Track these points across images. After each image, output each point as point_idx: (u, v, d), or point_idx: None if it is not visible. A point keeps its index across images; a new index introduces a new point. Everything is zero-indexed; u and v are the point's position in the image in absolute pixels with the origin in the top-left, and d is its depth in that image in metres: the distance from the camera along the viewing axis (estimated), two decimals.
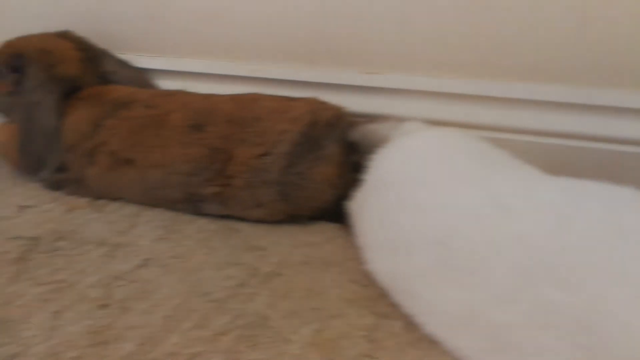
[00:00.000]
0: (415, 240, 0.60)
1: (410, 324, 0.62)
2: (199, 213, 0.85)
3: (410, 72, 0.95)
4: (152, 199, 0.87)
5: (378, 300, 0.66)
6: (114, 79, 1.00)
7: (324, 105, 0.88)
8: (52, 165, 0.92)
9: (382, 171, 0.71)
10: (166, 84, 1.03)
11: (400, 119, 0.85)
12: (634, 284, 0.45)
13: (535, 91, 0.88)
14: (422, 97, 0.95)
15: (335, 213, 0.82)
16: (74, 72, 0.93)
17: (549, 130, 0.89)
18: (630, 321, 0.44)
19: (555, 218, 0.52)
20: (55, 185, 0.93)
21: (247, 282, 0.69)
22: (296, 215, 0.83)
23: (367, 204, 0.71)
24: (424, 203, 0.61)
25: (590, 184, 0.56)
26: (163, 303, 0.66)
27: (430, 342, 0.59)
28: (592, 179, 0.57)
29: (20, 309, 0.66)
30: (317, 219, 0.84)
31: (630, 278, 0.45)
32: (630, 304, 0.45)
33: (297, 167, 0.81)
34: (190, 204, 0.85)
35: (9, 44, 0.95)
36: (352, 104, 0.92)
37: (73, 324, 0.63)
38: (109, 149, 0.87)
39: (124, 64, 1.02)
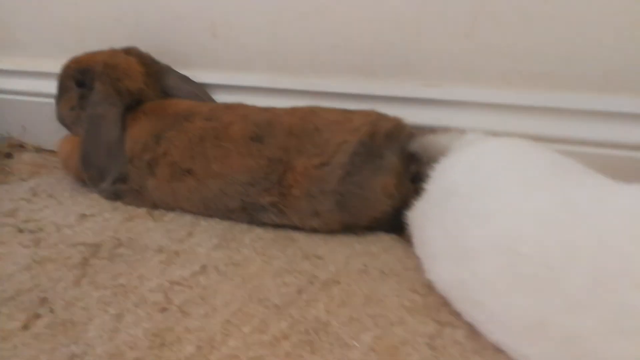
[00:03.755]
0: (481, 248, 0.58)
1: (473, 332, 0.59)
2: (255, 222, 0.85)
3: (472, 84, 0.93)
4: (209, 209, 0.88)
5: (439, 308, 0.64)
6: (175, 93, 1.02)
7: (383, 116, 0.87)
8: (113, 176, 0.94)
9: (446, 180, 0.69)
10: (226, 98, 1.05)
11: (461, 131, 0.84)
12: None
13: (601, 102, 0.85)
14: (481, 109, 0.93)
15: (392, 223, 0.80)
16: (138, 86, 0.96)
17: (617, 142, 0.86)
18: None
19: (634, 222, 0.49)
20: (115, 196, 0.96)
21: (305, 289, 0.69)
22: (352, 225, 0.82)
23: (428, 214, 0.70)
24: (492, 210, 0.59)
25: None
26: (221, 308, 0.66)
27: (495, 350, 0.56)
28: None
29: (83, 311, 0.67)
30: (373, 229, 0.83)
31: None
32: None
33: (355, 177, 0.80)
34: (247, 213, 0.86)
35: (76, 60, 0.99)
36: (411, 116, 0.91)
37: (134, 326, 0.64)
38: (170, 160, 0.89)
39: (185, 79, 1.05)
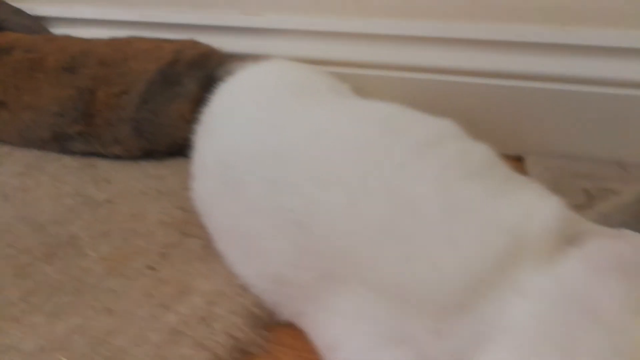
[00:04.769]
0: (208, 163, 0.62)
1: (210, 243, 0.63)
2: (66, 152, 0.88)
3: (290, 13, 0.95)
4: (24, 140, 0.91)
5: (194, 223, 0.68)
6: (7, 26, 1.02)
7: (192, 45, 0.89)
8: None
9: (213, 103, 0.72)
10: (63, 32, 1.05)
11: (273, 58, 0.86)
12: (343, 190, 0.46)
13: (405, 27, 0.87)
14: (300, 37, 0.95)
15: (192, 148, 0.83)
16: None
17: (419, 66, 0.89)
18: (336, 221, 0.45)
19: (309, 134, 0.53)
20: None
21: (76, 209, 0.72)
22: (153, 151, 0.85)
23: (202, 133, 0.73)
24: (217, 128, 0.62)
25: (374, 106, 0.56)
26: None
27: (217, 257, 0.60)
28: None
29: None
30: (175, 154, 0.86)
31: (341, 185, 0.46)
32: (337, 206, 0.46)
33: (151, 104, 0.83)
34: (58, 143, 0.88)
35: None
36: (232, 45, 0.92)
37: None
38: None
39: (18, 12, 1.05)
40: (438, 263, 0.40)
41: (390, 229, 0.43)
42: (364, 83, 0.92)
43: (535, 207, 0.42)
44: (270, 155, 0.53)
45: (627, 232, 0.48)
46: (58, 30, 1.06)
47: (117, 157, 0.86)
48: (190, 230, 0.66)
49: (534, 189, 0.47)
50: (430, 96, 0.88)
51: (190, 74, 0.85)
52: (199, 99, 0.84)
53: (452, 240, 0.40)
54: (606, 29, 0.80)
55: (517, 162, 0.89)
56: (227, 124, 0.63)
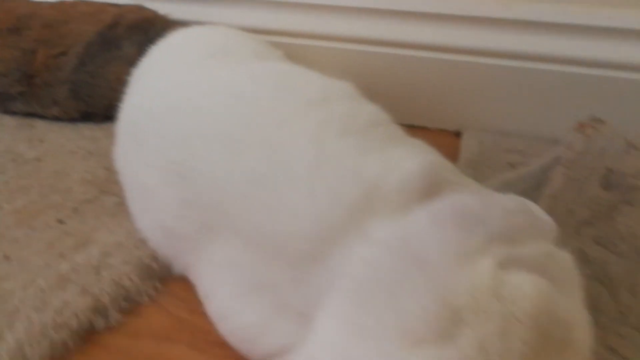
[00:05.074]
0: (123, 121, 0.63)
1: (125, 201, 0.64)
2: (8, 112, 0.89)
3: None
4: None
5: (113, 181, 0.68)
6: None
7: (136, 9, 0.89)
8: None
9: (140, 64, 0.72)
10: None
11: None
12: (223, 144, 0.47)
13: None
14: (247, 6, 0.96)
15: None
16: None
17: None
18: (214, 173, 0.46)
19: (205, 91, 0.54)
20: None
21: (2, 166, 0.73)
22: (91, 113, 0.86)
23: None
24: (136, 88, 0.63)
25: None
26: None
27: (127, 213, 0.61)
28: None
29: None
30: (114, 118, 0.86)
31: (222, 138, 0.47)
32: (215, 159, 0.47)
33: (89, 66, 0.83)
34: (1, 103, 0.89)
35: None
36: (180, 12, 0.93)
37: None
38: None
39: None
40: (296, 213, 0.41)
41: (261, 181, 0.44)
42: (306, 54, 0.93)
43: (400, 162, 0.43)
44: (167, 111, 0.54)
45: (512, 196, 0.48)
46: None
47: (56, 118, 0.87)
48: (109, 188, 0.67)
49: (412, 147, 0.47)
50: (368, 69, 0.89)
51: (131, 37, 0.86)
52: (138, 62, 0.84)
53: (311, 192, 0.41)
54: (541, 4, 0.80)
55: (455, 137, 0.90)
56: (144, 83, 0.64)
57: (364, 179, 0.41)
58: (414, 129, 0.95)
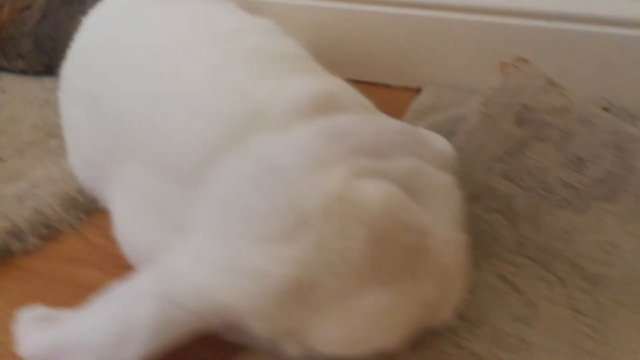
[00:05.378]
0: (67, 67, 0.64)
1: None
2: None
3: None
4: None
5: None
6: None
7: None
8: None
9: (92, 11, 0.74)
10: None
11: None
12: (131, 72, 0.48)
13: None
14: None
15: None
16: None
17: None
18: (121, 100, 0.48)
19: (130, 28, 0.55)
20: None
21: None
22: (55, 66, 0.88)
23: None
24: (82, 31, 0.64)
25: None
26: None
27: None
28: None
29: None
30: None
31: (132, 67, 0.49)
32: (123, 86, 0.48)
33: (51, 19, 0.85)
34: None
35: None
36: None
37: None
38: None
39: None
40: (184, 135, 0.42)
41: (159, 106, 0.45)
42: (268, 10, 0.93)
43: (294, 86, 0.43)
44: (94, 49, 0.56)
45: (421, 129, 0.49)
46: None
47: (22, 72, 0.89)
48: (56, 133, 0.69)
49: (317, 77, 0.48)
50: (329, 26, 0.89)
51: None
52: None
53: (199, 113, 0.42)
54: None
55: (417, 94, 0.89)
56: (86, 28, 0.65)
57: (252, 100, 0.42)
58: (376, 87, 0.96)
